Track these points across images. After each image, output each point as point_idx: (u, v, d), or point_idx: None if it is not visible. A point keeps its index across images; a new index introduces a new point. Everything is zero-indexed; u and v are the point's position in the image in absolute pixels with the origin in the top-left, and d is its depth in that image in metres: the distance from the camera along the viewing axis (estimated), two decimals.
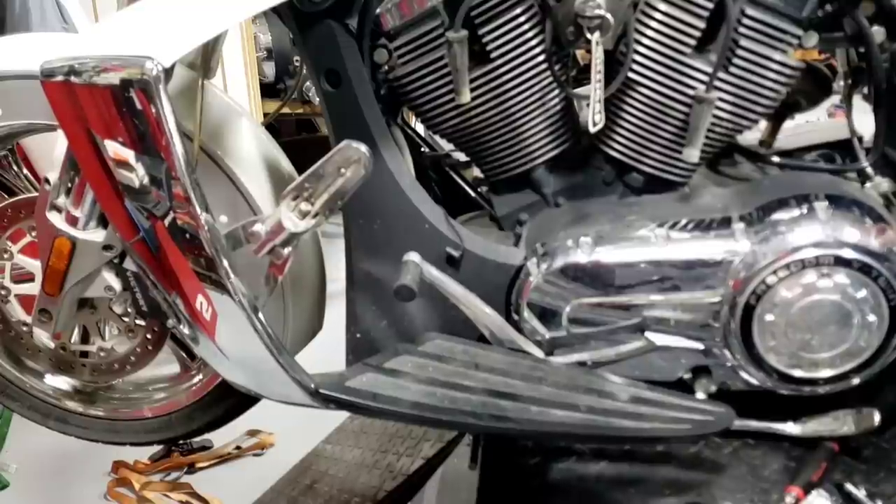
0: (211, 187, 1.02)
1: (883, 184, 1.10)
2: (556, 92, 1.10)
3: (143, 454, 2.04)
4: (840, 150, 1.21)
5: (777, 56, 1.02)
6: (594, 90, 1.00)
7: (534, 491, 1.09)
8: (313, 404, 1.00)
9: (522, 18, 1.05)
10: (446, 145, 1.23)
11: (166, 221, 0.93)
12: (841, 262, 0.97)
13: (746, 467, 1.08)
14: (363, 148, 0.92)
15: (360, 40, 1.05)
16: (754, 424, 1.07)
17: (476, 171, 1.26)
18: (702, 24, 1.02)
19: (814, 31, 1.04)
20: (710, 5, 1.00)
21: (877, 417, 1.05)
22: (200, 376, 1.32)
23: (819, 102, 1.24)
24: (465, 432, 1.49)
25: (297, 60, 3.52)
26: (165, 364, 1.36)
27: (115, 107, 0.89)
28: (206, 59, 1.14)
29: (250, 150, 1.16)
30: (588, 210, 1.12)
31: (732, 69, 1.03)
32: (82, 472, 2.01)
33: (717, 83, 1.03)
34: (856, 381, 1.03)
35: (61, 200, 1.12)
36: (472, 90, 1.06)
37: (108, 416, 1.35)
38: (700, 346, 1.05)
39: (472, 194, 1.27)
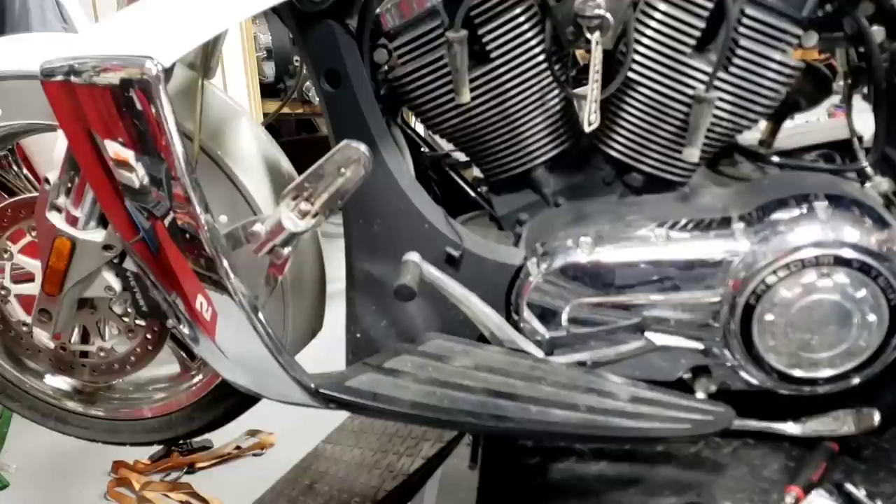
0: (211, 187, 1.02)
1: (883, 184, 1.10)
2: (556, 92, 1.10)
3: (143, 454, 2.04)
4: (840, 150, 1.21)
5: (777, 56, 1.02)
6: (591, 90, 1.00)
7: (534, 491, 1.09)
8: (313, 404, 1.00)
9: (522, 18, 1.05)
10: (446, 145, 1.23)
11: (166, 221, 0.93)
12: (841, 261, 0.97)
13: (746, 467, 1.08)
14: (363, 148, 0.92)
15: (360, 40, 1.05)
16: (754, 424, 1.07)
17: (476, 171, 1.26)
18: (702, 24, 1.02)
19: (814, 30, 1.04)
20: (710, 5, 1.00)
21: (877, 417, 1.05)
22: (200, 376, 1.31)
23: (819, 102, 1.24)
24: (465, 432, 1.48)
25: (297, 60, 3.52)
26: (165, 364, 1.36)
27: (115, 107, 0.89)
28: (206, 59, 1.14)
29: (250, 150, 1.16)
30: (588, 210, 1.12)
31: (732, 69, 1.03)
32: (82, 472, 2.01)
33: (717, 83, 1.03)
34: (856, 380, 1.03)
35: (61, 200, 1.12)
36: (472, 90, 1.06)
37: (108, 416, 1.35)
38: (700, 346, 1.05)
39: (472, 194, 1.27)
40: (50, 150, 1.14)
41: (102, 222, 1.12)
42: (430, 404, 0.98)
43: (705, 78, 1.03)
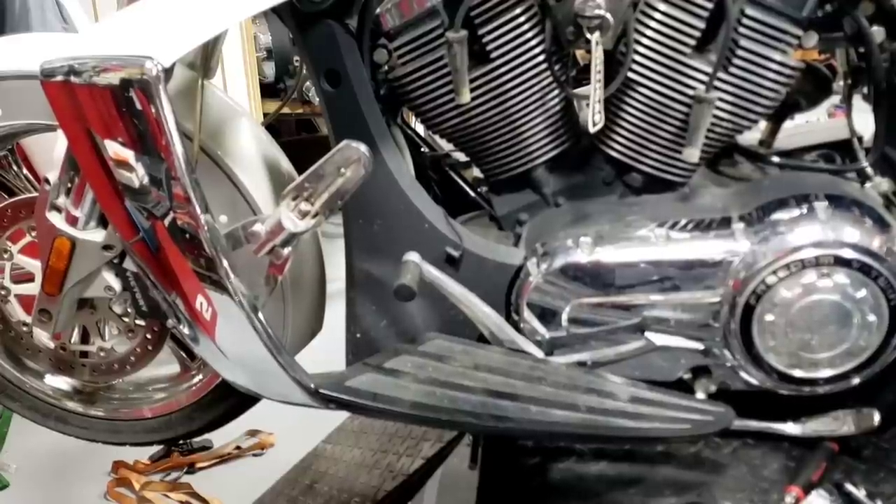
0: (211, 187, 1.02)
1: (883, 184, 1.10)
2: (556, 92, 1.10)
3: (143, 454, 2.04)
4: (840, 150, 1.21)
5: (777, 56, 1.02)
6: (594, 90, 1.00)
7: (534, 491, 1.09)
8: (313, 404, 1.00)
9: (522, 18, 1.05)
10: (446, 145, 1.23)
11: (166, 221, 0.93)
12: (841, 262, 0.97)
13: (746, 467, 1.08)
14: (363, 148, 0.92)
15: (360, 40, 1.05)
16: (754, 424, 1.07)
17: (476, 171, 1.26)
18: (701, 24, 1.02)
19: (814, 31, 1.04)
20: (710, 5, 1.00)
21: (877, 417, 1.05)
22: (200, 376, 1.31)
23: (819, 102, 1.24)
24: (465, 432, 1.48)
25: (297, 60, 3.52)
26: (165, 364, 1.36)
27: (115, 107, 0.89)
28: (206, 59, 1.14)
29: (250, 150, 1.16)
30: (588, 210, 1.12)
31: (732, 69, 1.03)
32: (82, 472, 2.01)
33: (717, 83, 1.03)
34: (856, 381, 1.03)
35: (61, 200, 1.12)
36: (472, 90, 1.06)
37: (108, 416, 1.35)
38: (700, 346, 1.05)
39: (472, 194, 1.27)
40: (50, 150, 1.14)
41: (102, 222, 1.12)
42: (430, 404, 0.98)
43: (705, 78, 1.03)
